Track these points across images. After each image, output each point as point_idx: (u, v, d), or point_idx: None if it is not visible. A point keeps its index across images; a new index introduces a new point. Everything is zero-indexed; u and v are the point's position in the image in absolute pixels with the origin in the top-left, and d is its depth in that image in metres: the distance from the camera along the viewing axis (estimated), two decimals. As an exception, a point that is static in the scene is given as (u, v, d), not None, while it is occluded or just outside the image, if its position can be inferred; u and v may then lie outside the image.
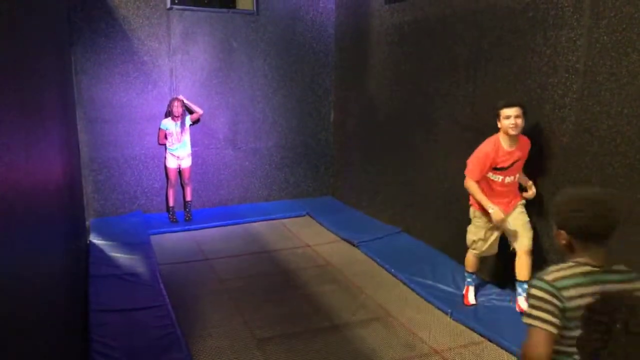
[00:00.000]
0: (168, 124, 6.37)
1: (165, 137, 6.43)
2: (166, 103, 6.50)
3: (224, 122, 7.05)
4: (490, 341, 3.74)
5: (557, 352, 1.71)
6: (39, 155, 2.10)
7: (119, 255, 5.20)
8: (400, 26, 5.87)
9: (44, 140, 2.24)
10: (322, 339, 3.81)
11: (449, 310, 4.18)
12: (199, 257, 5.50)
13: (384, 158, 6.44)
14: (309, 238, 6.08)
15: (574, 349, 1.65)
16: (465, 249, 4.67)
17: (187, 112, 6.50)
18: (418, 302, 4.45)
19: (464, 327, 3.97)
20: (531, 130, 4.23)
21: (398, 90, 6.05)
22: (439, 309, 4.27)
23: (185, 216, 6.68)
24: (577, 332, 1.62)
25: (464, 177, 5.04)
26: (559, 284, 1.71)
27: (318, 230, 6.42)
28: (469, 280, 4.40)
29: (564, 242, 1.81)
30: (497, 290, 4.52)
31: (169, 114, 6.38)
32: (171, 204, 6.64)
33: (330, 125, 7.73)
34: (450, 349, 3.67)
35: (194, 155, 6.77)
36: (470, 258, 4.37)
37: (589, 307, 1.58)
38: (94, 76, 6.26)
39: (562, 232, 1.80)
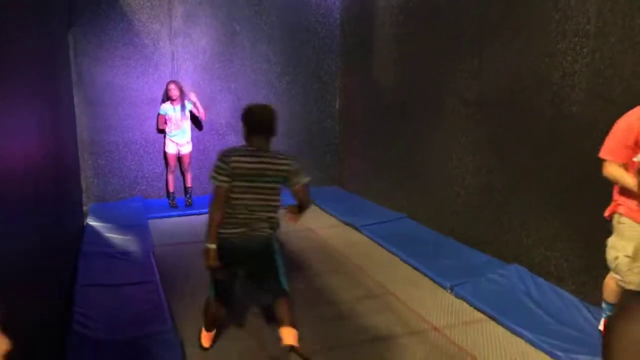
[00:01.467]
0: (167, 108, 6.24)
1: (165, 123, 6.30)
2: (167, 88, 6.38)
3: (225, 107, 6.92)
4: (493, 319, 3.51)
5: (231, 198, 2.78)
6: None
7: (114, 236, 5.08)
8: (405, 4, 5.68)
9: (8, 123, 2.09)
10: (313, 313, 3.62)
11: (450, 286, 3.97)
12: (195, 240, 5.33)
13: (389, 144, 6.24)
14: (310, 222, 5.88)
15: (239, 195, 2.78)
16: (477, 231, 4.48)
17: (185, 98, 6.36)
18: (419, 280, 4.25)
19: (466, 305, 3.75)
20: (538, 102, 4.02)
21: (403, 72, 5.86)
22: (440, 286, 4.06)
23: (185, 202, 6.55)
24: (239, 183, 2.77)
25: (469, 153, 4.85)
26: (229, 157, 2.77)
27: (320, 216, 6.24)
28: (607, 312, 3.14)
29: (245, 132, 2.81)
30: (502, 266, 4.28)
31: (166, 98, 6.26)
32: (171, 189, 6.51)
33: (336, 113, 7.56)
34: (450, 326, 3.45)
35: (195, 140, 6.64)
36: (610, 284, 3.03)
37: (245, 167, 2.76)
38: (94, 58, 6.18)
39: (244, 126, 2.82)
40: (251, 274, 3.01)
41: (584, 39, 3.60)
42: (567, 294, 3.78)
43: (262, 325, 3.48)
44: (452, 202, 5.14)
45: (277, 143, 7.11)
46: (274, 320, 3.04)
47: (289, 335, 2.72)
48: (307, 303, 3.80)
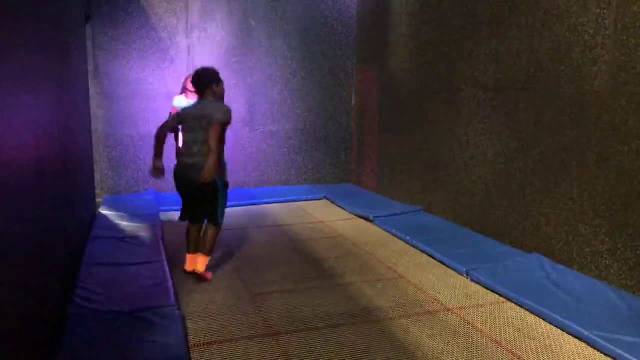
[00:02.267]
0: (181, 101, 6.21)
1: None
2: (182, 81, 6.38)
3: (241, 102, 6.89)
4: (510, 301, 3.33)
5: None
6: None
7: (125, 224, 5.04)
8: (421, -7, 5.61)
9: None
10: (321, 295, 3.49)
11: (465, 270, 3.80)
12: (207, 229, 5.28)
13: (405, 138, 6.12)
14: (323, 216, 5.78)
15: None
16: (495, 221, 4.30)
17: None
18: (433, 266, 4.11)
19: (482, 288, 3.58)
20: (557, 79, 3.87)
21: (419, 62, 5.76)
22: (455, 271, 3.90)
23: (199, 196, 6.49)
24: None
25: (486, 140, 4.70)
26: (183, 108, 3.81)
27: (334, 210, 6.12)
28: None
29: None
30: (521, 254, 4.09)
31: (183, 90, 6.24)
32: (185, 183, 6.47)
33: (352, 110, 7.47)
34: (464, 308, 3.28)
35: (210, 134, 6.61)
36: None
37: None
38: (111, 51, 6.24)
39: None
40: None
41: (605, 10, 3.46)
42: (590, 279, 3.58)
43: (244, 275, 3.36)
44: (469, 193, 4.97)
45: (292, 139, 7.11)
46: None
47: (196, 262, 3.76)
48: (311, 286, 3.68)
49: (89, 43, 6.05)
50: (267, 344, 2.81)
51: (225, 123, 3.57)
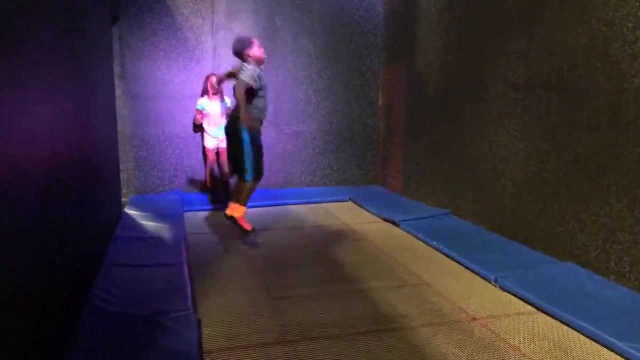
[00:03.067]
0: (204, 103, 6.21)
1: (202, 118, 6.26)
2: (202, 82, 6.36)
3: (266, 102, 6.84)
4: (541, 311, 3.15)
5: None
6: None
7: (148, 223, 5.06)
8: (450, -11, 5.43)
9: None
10: (342, 301, 3.37)
11: (494, 278, 3.62)
12: (228, 230, 5.24)
13: (433, 139, 5.94)
14: (348, 218, 5.67)
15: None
16: (526, 226, 4.09)
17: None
18: (460, 272, 3.93)
19: (511, 297, 3.40)
20: (593, 77, 3.65)
21: (447, 60, 5.58)
22: (484, 278, 3.72)
23: (223, 197, 6.46)
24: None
25: (517, 141, 4.49)
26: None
27: (359, 213, 6.00)
28: None
29: None
30: (554, 262, 3.89)
31: (205, 91, 6.22)
32: (209, 184, 6.46)
33: (378, 110, 7.33)
34: (491, 317, 3.11)
35: (235, 134, 6.59)
36: None
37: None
38: (137, 52, 6.28)
39: None
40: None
41: (647, 3, 3.23)
42: (627, 290, 3.36)
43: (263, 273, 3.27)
44: (499, 196, 4.77)
45: (317, 140, 7.01)
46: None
47: (231, 208, 4.35)
48: (332, 290, 3.57)
49: (116, 44, 6.11)
50: (282, 352, 2.71)
51: (246, 85, 4.05)
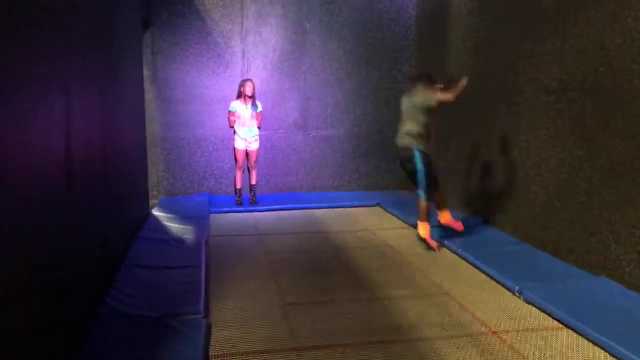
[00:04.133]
0: (237, 106, 6.26)
1: (234, 120, 6.31)
2: (237, 85, 6.40)
3: (294, 106, 6.84)
4: (567, 327, 2.96)
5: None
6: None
7: (172, 225, 5.11)
8: (481, -10, 5.27)
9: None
10: (356, 309, 3.28)
11: (518, 289, 3.45)
12: (252, 232, 5.25)
13: (462, 143, 5.77)
14: (373, 224, 5.57)
15: None
16: (557, 236, 3.89)
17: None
18: (483, 282, 3.78)
19: (535, 310, 3.22)
20: (630, 78, 3.43)
21: (478, 63, 5.41)
22: (508, 289, 3.55)
23: (250, 200, 6.49)
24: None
25: (549, 147, 4.29)
26: None
27: (386, 218, 5.90)
28: None
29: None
30: (585, 275, 3.68)
31: (239, 94, 6.27)
32: (238, 186, 6.49)
33: (409, 114, 7.17)
34: (511, 331, 2.95)
35: (263, 139, 6.62)
36: None
37: None
38: (169, 56, 6.40)
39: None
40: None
41: (688, -1, 3.01)
42: (665, 308, 3.12)
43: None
44: (530, 204, 4.56)
45: (346, 144, 6.94)
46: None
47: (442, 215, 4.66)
48: (349, 297, 3.49)
49: (148, 49, 6.24)
50: (290, 359, 2.66)
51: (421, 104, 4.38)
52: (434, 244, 4.43)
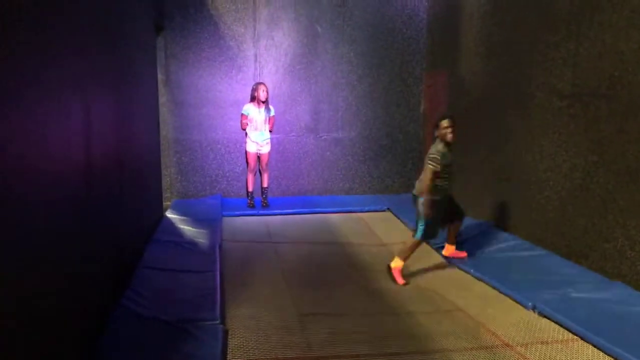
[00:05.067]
0: (250, 109, 6.29)
1: (246, 123, 6.34)
2: (249, 89, 6.44)
3: (305, 109, 6.87)
4: (582, 339, 2.95)
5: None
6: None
7: (186, 228, 5.16)
8: (494, -7, 5.25)
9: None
10: (370, 323, 3.28)
11: (532, 305, 3.42)
12: (265, 239, 5.27)
13: (474, 146, 5.75)
14: (385, 234, 5.49)
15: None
16: (571, 241, 3.86)
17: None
18: (496, 298, 3.72)
19: (549, 322, 3.20)
20: (648, 84, 3.41)
21: (490, 67, 5.40)
22: (521, 304, 3.51)
23: (262, 202, 6.52)
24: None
25: (562, 152, 4.27)
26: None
27: (397, 226, 5.83)
28: None
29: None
30: (600, 282, 3.65)
31: (253, 98, 6.29)
32: (250, 189, 6.52)
33: (420, 117, 7.18)
34: (526, 344, 2.95)
35: (274, 142, 6.65)
36: None
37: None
38: (182, 60, 6.45)
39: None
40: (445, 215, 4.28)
41: None
42: (681, 316, 3.10)
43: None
44: (543, 209, 4.55)
45: (358, 147, 6.95)
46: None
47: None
48: (367, 315, 3.46)
49: (161, 53, 6.29)
50: (304, 366, 2.68)
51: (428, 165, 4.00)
52: (401, 280, 4.05)
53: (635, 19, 3.50)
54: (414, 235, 4.15)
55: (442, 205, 4.15)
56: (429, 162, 3.99)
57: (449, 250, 4.58)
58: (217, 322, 3.08)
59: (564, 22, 4.22)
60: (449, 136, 4.05)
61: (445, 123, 4.05)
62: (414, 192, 4.22)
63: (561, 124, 4.31)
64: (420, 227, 4.10)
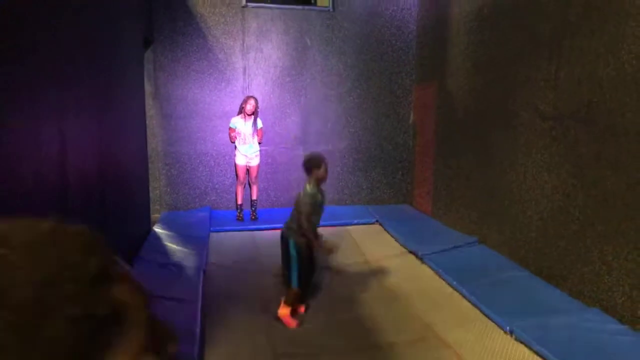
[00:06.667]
0: (237, 122, 6.31)
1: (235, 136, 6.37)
2: (238, 101, 6.46)
3: (295, 121, 6.88)
4: (555, 368, 2.97)
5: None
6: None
7: (172, 246, 5.17)
8: (480, 10, 5.25)
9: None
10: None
11: (510, 329, 3.45)
12: (251, 255, 5.26)
13: (462, 160, 5.77)
14: (371, 250, 5.47)
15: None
16: (551, 263, 3.87)
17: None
18: (475, 320, 3.72)
19: (526, 350, 3.22)
20: (622, 110, 3.42)
21: (476, 83, 5.40)
22: (500, 327, 3.54)
23: (251, 215, 6.54)
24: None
25: (544, 172, 4.29)
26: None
27: (384, 241, 5.81)
28: None
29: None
30: (578, 307, 3.67)
31: (241, 110, 6.31)
32: (239, 201, 6.55)
33: (410, 128, 7.20)
34: (499, 371, 2.97)
35: (264, 154, 6.66)
36: None
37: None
38: (170, 73, 6.46)
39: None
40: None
41: (678, 38, 3.00)
42: (654, 346, 3.12)
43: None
44: (525, 228, 4.56)
45: (348, 158, 6.96)
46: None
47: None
48: (340, 347, 3.47)
49: (150, 65, 6.30)
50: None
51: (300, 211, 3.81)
52: (293, 323, 3.83)
53: (613, 46, 3.51)
54: (289, 286, 3.86)
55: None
56: (304, 208, 3.75)
57: (284, 312, 3.93)
58: (194, 357, 3.09)
59: (546, 45, 4.23)
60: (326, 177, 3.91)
61: (325, 165, 3.86)
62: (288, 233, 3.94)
63: (544, 145, 4.32)
64: (294, 274, 3.85)
